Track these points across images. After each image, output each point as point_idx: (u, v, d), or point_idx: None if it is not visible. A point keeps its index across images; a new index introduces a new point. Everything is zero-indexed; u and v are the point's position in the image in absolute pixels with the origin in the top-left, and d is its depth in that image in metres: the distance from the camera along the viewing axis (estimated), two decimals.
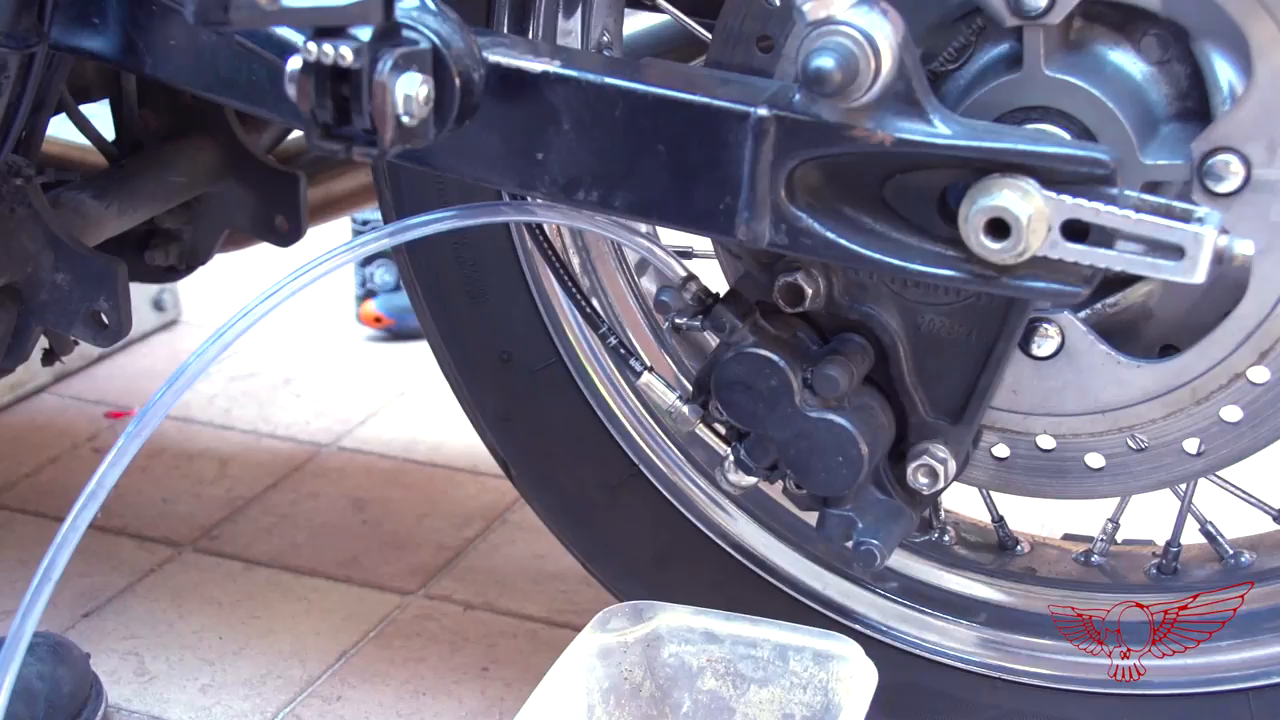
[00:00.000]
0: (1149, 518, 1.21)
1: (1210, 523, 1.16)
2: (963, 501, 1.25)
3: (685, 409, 1.05)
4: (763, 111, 0.87)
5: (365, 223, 2.28)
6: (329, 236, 1.52)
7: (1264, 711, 1.09)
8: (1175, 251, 0.83)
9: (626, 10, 1.21)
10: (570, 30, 1.13)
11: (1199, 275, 0.83)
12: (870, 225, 0.90)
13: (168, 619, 1.53)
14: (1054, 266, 0.86)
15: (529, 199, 1.03)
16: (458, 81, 0.85)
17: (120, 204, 1.38)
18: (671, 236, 1.10)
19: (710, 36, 1.03)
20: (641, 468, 1.23)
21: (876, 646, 1.18)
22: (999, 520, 1.23)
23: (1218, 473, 1.07)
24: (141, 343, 2.27)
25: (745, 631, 1.13)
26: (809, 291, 0.98)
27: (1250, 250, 0.83)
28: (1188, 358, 1.00)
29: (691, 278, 1.02)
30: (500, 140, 0.93)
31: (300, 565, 1.64)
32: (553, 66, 0.91)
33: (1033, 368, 1.03)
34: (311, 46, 0.81)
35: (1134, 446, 1.05)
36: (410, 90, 0.81)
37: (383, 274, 2.31)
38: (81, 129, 1.44)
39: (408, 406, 2.06)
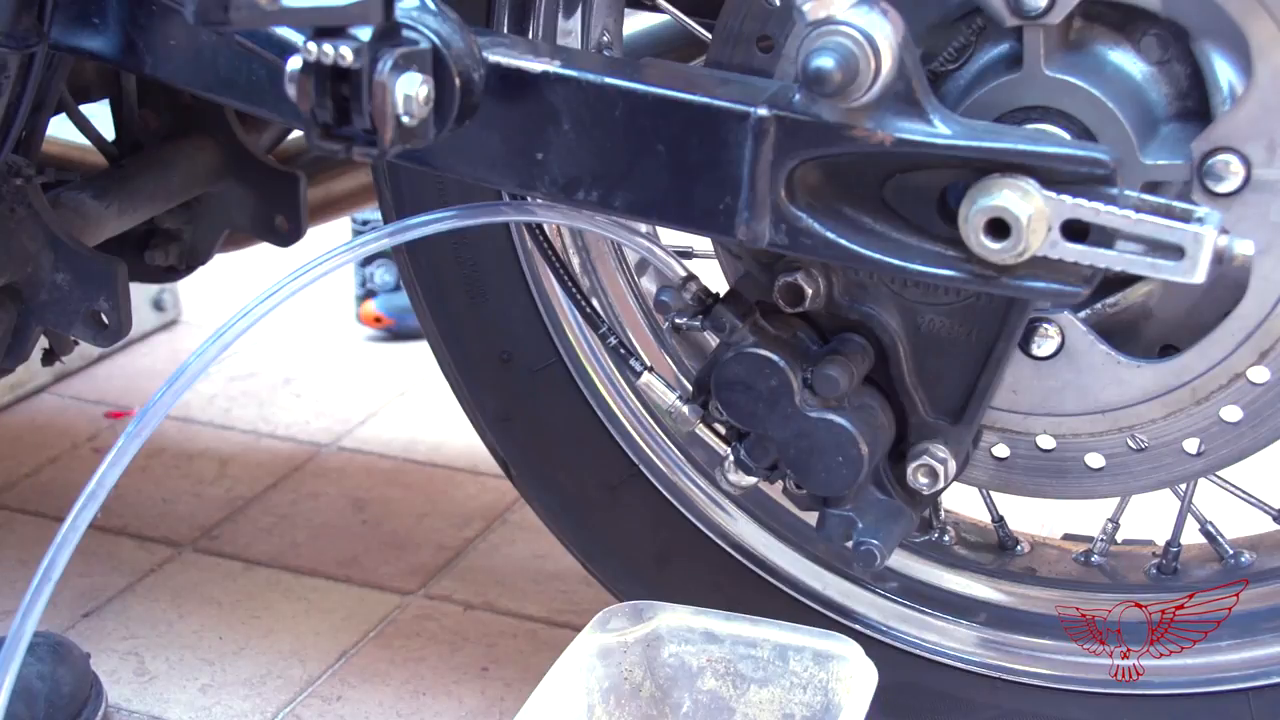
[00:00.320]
0: (1149, 518, 1.21)
1: (1210, 523, 1.16)
2: (963, 501, 1.25)
3: (685, 409, 1.05)
4: (763, 111, 0.87)
5: (365, 223, 2.28)
6: (329, 236, 1.52)
7: (1264, 711, 1.09)
8: (1175, 251, 0.83)
9: (626, 10, 1.21)
10: (570, 30, 1.13)
11: (1199, 275, 0.83)
12: (870, 225, 0.90)
13: (168, 619, 1.53)
14: (1054, 266, 0.86)
15: (529, 199, 1.03)
16: (458, 81, 0.85)
17: (120, 204, 1.38)
18: (671, 236, 1.10)
19: (710, 36, 1.03)
20: (641, 468, 1.23)
21: (876, 646, 1.18)
22: (999, 520, 1.23)
23: (1218, 473, 1.07)
24: (141, 343, 2.27)
25: (745, 631, 1.13)
26: (809, 291, 0.98)
27: (1250, 250, 0.83)
28: (1188, 358, 1.00)
29: (691, 278, 1.02)
30: (500, 140, 0.93)
31: (300, 565, 1.64)
32: (553, 66, 0.91)
33: (1033, 368, 1.03)
34: (311, 46, 0.81)
35: (1134, 446, 1.05)
36: (410, 90, 0.81)
37: (383, 274, 2.31)
38: (81, 129, 1.44)
39: (408, 406, 2.06)
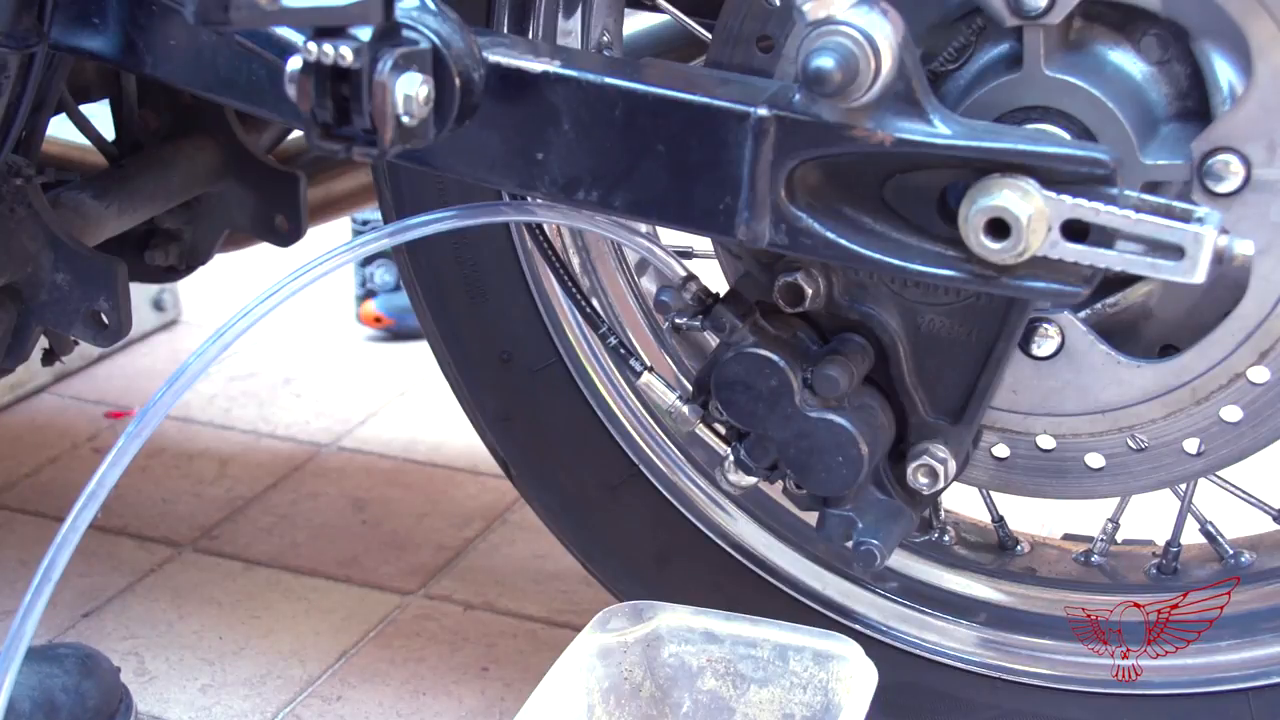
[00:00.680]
0: (1149, 518, 1.21)
1: (1210, 523, 1.16)
2: (963, 501, 1.25)
3: (685, 409, 1.05)
4: (763, 111, 0.87)
5: (365, 223, 2.28)
6: (329, 236, 1.52)
7: (1264, 711, 1.09)
8: (1175, 251, 0.83)
9: (626, 10, 1.21)
10: (570, 30, 1.13)
11: (1199, 275, 0.83)
12: (870, 225, 0.90)
13: (168, 619, 1.53)
14: (1054, 266, 0.86)
15: (529, 199, 1.03)
16: (458, 81, 0.85)
17: (120, 204, 1.38)
18: (671, 236, 1.10)
19: (710, 36, 1.03)
20: (641, 468, 1.23)
21: (876, 646, 1.18)
22: (999, 520, 1.23)
23: (1218, 473, 1.07)
24: (141, 343, 2.27)
25: (745, 631, 1.13)
26: (809, 291, 0.98)
27: (1250, 250, 0.83)
28: (1188, 358, 1.00)
29: (691, 278, 1.02)
30: (500, 140, 0.93)
31: (300, 565, 1.64)
32: (553, 66, 0.91)
33: (1033, 368, 1.03)
34: (311, 46, 0.81)
35: (1134, 446, 1.05)
36: (410, 90, 0.81)
37: (383, 274, 2.31)
38: (81, 129, 1.44)
39: (408, 406, 2.06)
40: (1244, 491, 1.14)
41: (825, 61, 0.81)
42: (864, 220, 0.90)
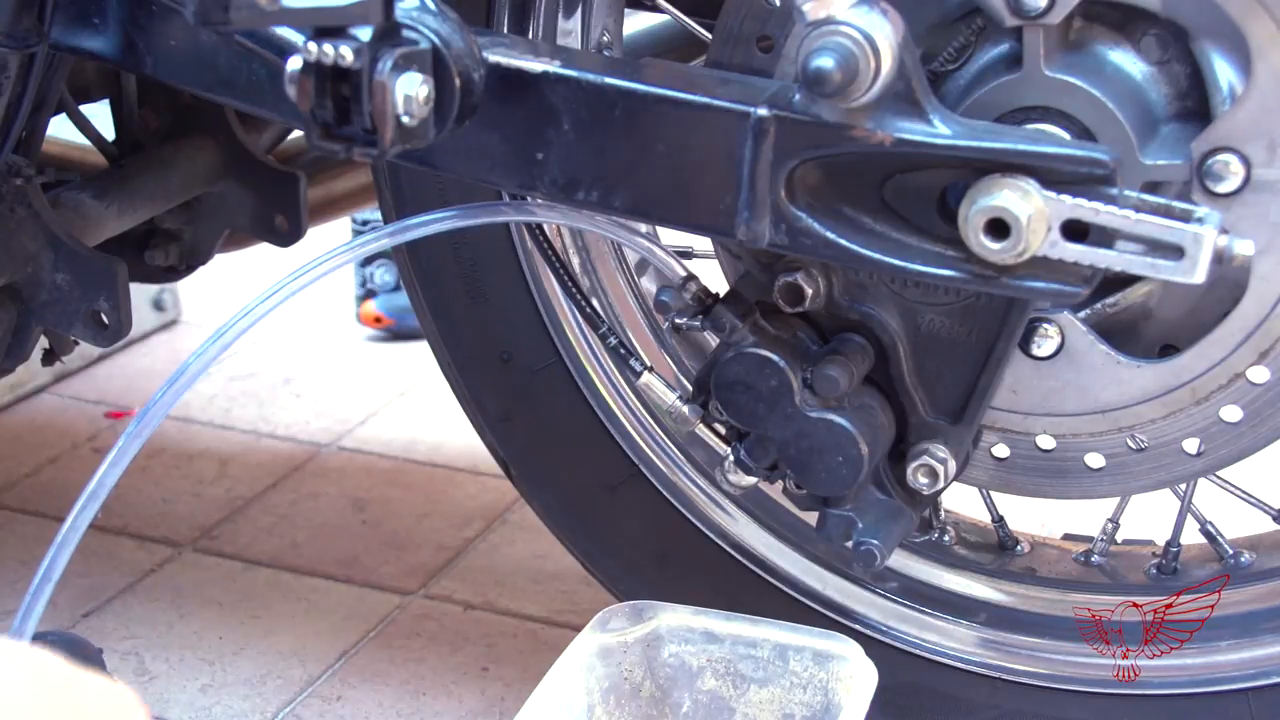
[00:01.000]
0: (1149, 518, 1.21)
1: (1210, 523, 1.16)
2: (963, 501, 1.25)
3: (685, 409, 1.05)
4: (763, 111, 0.87)
5: (365, 223, 2.28)
6: (329, 236, 1.52)
7: (1264, 711, 1.09)
8: (1175, 251, 0.83)
9: (626, 10, 1.21)
10: (570, 30, 1.13)
11: (1199, 275, 0.83)
12: (870, 225, 0.90)
13: (168, 619, 1.53)
14: (1054, 266, 0.86)
15: (529, 199, 1.03)
16: (458, 81, 0.85)
17: (120, 204, 1.38)
18: (671, 236, 1.10)
19: (710, 36, 1.03)
20: (641, 468, 1.23)
21: (876, 646, 1.18)
22: (999, 520, 1.23)
23: (1218, 473, 1.07)
24: (141, 343, 2.27)
25: (745, 631, 1.13)
26: (809, 291, 0.98)
27: (1250, 250, 0.83)
28: (1188, 358, 1.00)
29: (691, 278, 1.02)
30: (500, 140, 0.93)
31: (300, 565, 1.64)
32: (553, 66, 0.91)
33: (1033, 368, 1.03)
34: (311, 46, 0.81)
35: (1134, 446, 1.05)
36: (410, 90, 0.81)
37: (383, 274, 2.31)
38: (81, 129, 1.44)
39: (408, 406, 2.06)
40: (1244, 491, 1.14)
41: (825, 61, 0.81)
42: (864, 220, 0.90)
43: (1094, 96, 0.95)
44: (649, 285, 1.23)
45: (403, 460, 1.90)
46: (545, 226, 1.11)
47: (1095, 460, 1.06)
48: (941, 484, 1.01)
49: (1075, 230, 0.84)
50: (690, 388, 1.08)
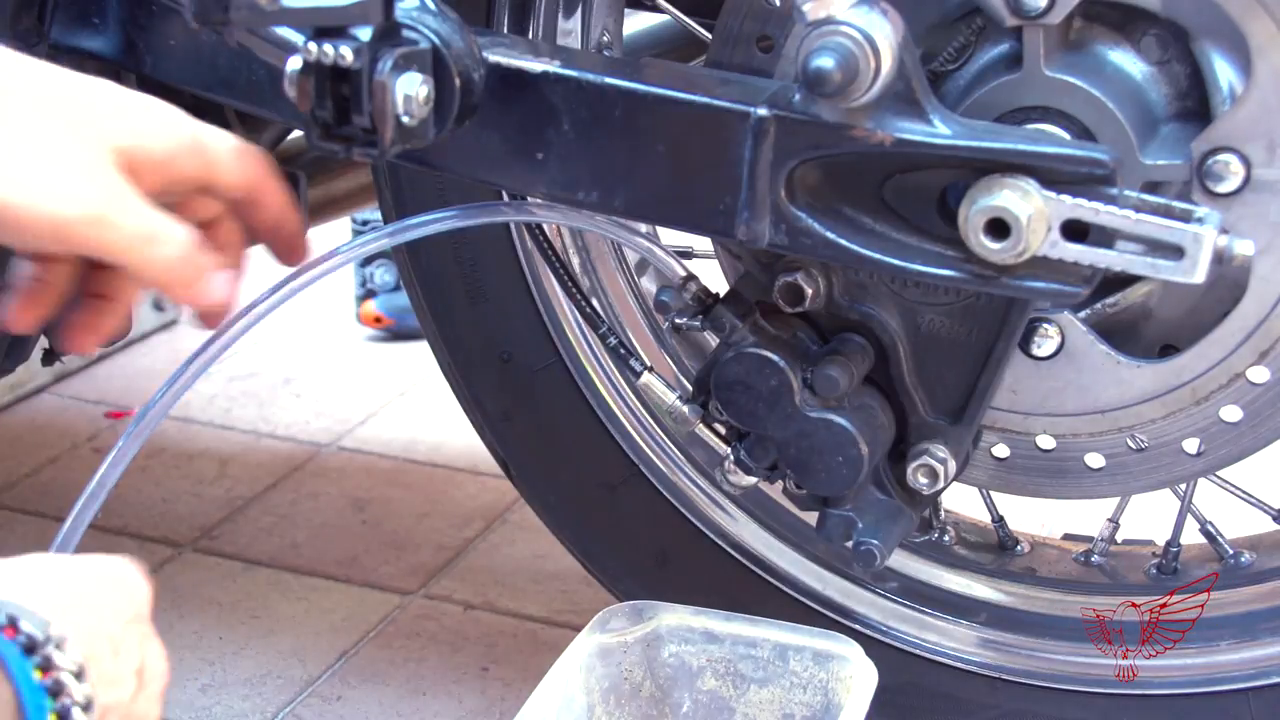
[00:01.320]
0: (1149, 518, 1.21)
1: (1210, 523, 1.16)
2: (963, 501, 1.25)
3: (685, 409, 1.05)
4: (763, 111, 0.87)
5: (365, 223, 2.28)
6: (329, 236, 1.52)
7: (1264, 711, 1.09)
8: (1175, 251, 0.83)
9: (626, 10, 1.20)
10: (570, 30, 1.13)
11: (1199, 275, 0.83)
12: (870, 225, 0.90)
13: (168, 619, 1.53)
14: (1054, 266, 0.86)
15: (528, 199, 1.03)
16: (458, 81, 0.85)
17: None
18: (671, 236, 1.10)
19: (710, 36, 1.03)
20: (641, 468, 1.23)
21: (876, 646, 1.18)
22: (999, 520, 1.23)
23: (1218, 473, 1.07)
24: (141, 343, 2.26)
25: (745, 631, 1.13)
26: (809, 291, 0.98)
27: (1250, 250, 0.83)
28: (1188, 358, 1.00)
29: (691, 278, 1.02)
30: (500, 140, 0.93)
31: (300, 565, 1.64)
32: (553, 66, 0.91)
33: (1033, 368, 1.03)
34: (311, 46, 0.81)
35: (1134, 446, 1.05)
36: (410, 90, 0.81)
37: (383, 274, 2.31)
38: None
39: (408, 406, 2.06)
40: (1244, 491, 1.14)
41: (825, 61, 0.81)
42: (864, 220, 0.90)
43: (1094, 96, 0.95)
44: (649, 285, 1.23)
45: (403, 460, 1.90)
46: (545, 226, 1.11)
47: (1095, 460, 1.06)
48: (941, 484, 1.01)
49: (1075, 230, 0.84)
50: (690, 388, 1.08)
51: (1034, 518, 1.41)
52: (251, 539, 1.69)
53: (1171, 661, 1.13)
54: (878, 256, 0.89)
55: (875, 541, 0.99)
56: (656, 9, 1.16)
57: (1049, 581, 1.19)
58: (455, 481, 1.84)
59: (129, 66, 1.10)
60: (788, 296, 0.98)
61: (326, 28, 0.81)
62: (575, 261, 1.19)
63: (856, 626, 1.20)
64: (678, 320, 1.02)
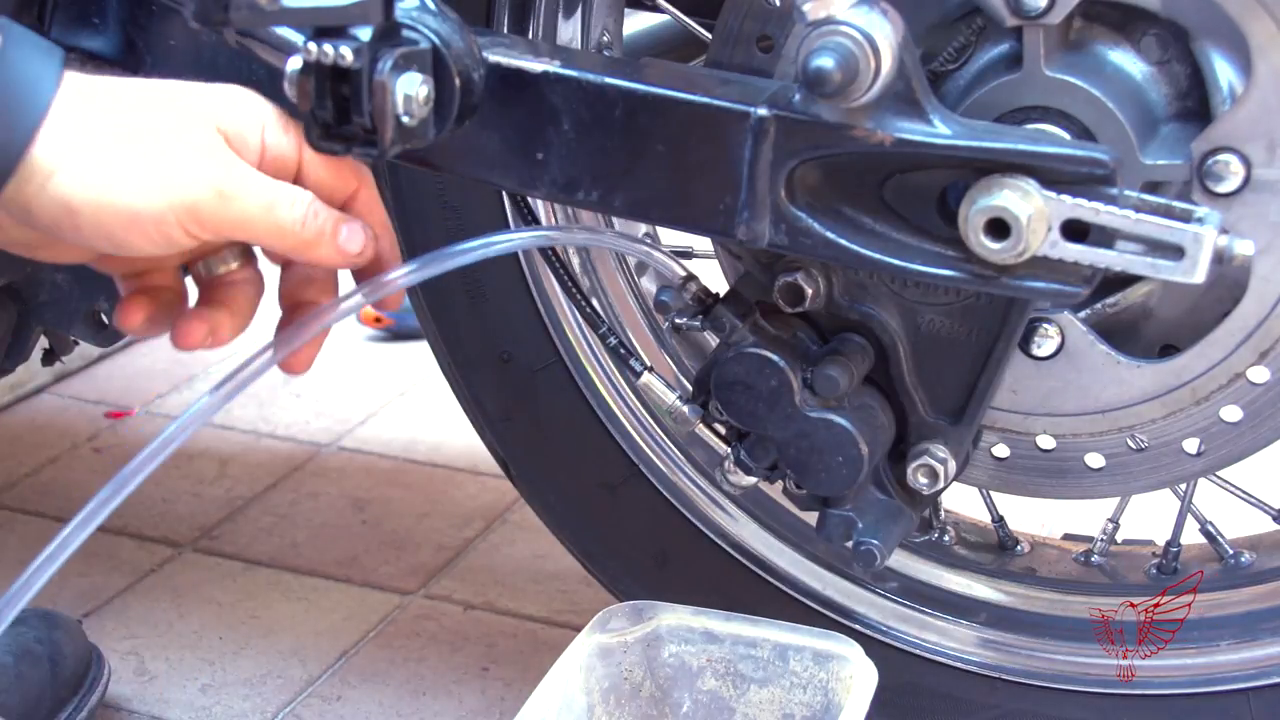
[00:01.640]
0: (1149, 518, 1.21)
1: (1210, 523, 1.16)
2: (963, 501, 1.25)
3: (685, 409, 1.05)
4: (763, 111, 0.87)
5: None
6: None
7: (1264, 711, 1.09)
8: (1175, 251, 0.83)
9: (626, 10, 1.20)
10: (570, 30, 1.13)
11: (1199, 275, 0.83)
12: (870, 225, 0.90)
13: (168, 619, 1.53)
14: (1054, 266, 0.85)
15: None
16: (458, 81, 0.85)
17: None
18: (671, 236, 1.10)
19: (710, 36, 1.03)
20: (641, 468, 1.23)
21: (876, 646, 1.18)
22: (999, 520, 1.23)
23: (1218, 473, 1.07)
24: (141, 343, 2.26)
25: (745, 631, 1.13)
26: (809, 291, 0.98)
27: (1250, 250, 0.83)
28: (1188, 358, 1.00)
29: (691, 278, 1.02)
30: (500, 140, 0.93)
31: (300, 565, 1.64)
32: (553, 66, 0.90)
33: (1033, 368, 1.03)
34: (311, 46, 0.81)
35: (1134, 446, 1.05)
36: (410, 90, 0.81)
37: None
38: None
39: (408, 406, 2.06)
40: (1244, 491, 1.14)
41: (825, 61, 0.81)
42: (864, 220, 0.90)
43: (1094, 96, 0.95)
44: (649, 285, 1.23)
45: (403, 460, 1.90)
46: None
47: (1095, 460, 1.06)
48: (941, 484, 1.01)
49: (1075, 230, 0.84)
50: (690, 388, 1.08)
51: (1034, 518, 1.41)
52: (251, 539, 1.69)
53: (1171, 661, 1.13)
54: (878, 256, 0.89)
55: (875, 541, 0.99)
56: (656, 9, 1.16)
57: (1049, 581, 1.19)
58: (455, 481, 1.84)
59: (129, 66, 1.10)
60: (788, 296, 0.98)
61: (326, 28, 0.81)
62: (575, 261, 1.19)
63: (856, 626, 1.20)
64: (678, 320, 1.02)
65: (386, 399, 2.08)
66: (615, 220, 1.18)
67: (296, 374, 0.92)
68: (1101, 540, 1.20)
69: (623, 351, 1.08)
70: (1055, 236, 0.84)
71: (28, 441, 1.94)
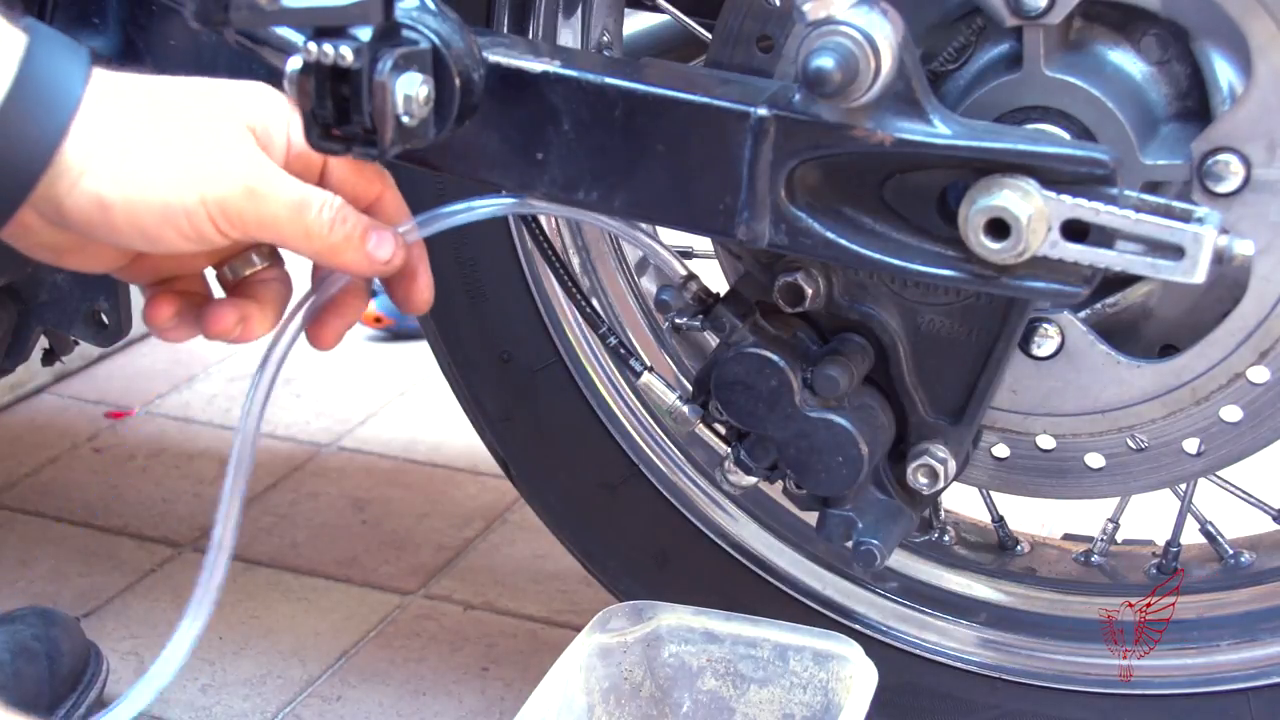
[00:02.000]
0: (1149, 518, 1.21)
1: (1210, 523, 1.16)
2: (963, 501, 1.25)
3: (685, 409, 1.05)
4: (763, 111, 0.87)
5: None
6: None
7: (1264, 711, 1.09)
8: (1175, 251, 0.83)
9: (626, 10, 1.20)
10: (570, 30, 1.13)
11: (1199, 275, 0.83)
12: (870, 225, 0.90)
13: (168, 619, 1.53)
14: (1054, 266, 0.86)
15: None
16: (458, 81, 0.85)
17: None
18: (672, 236, 1.10)
19: (710, 36, 1.03)
20: (641, 468, 1.23)
21: (876, 646, 1.18)
22: (999, 520, 1.23)
23: (1218, 473, 1.07)
24: (141, 343, 2.26)
25: (745, 631, 1.13)
26: (809, 291, 0.98)
27: (1250, 250, 0.83)
28: (1188, 358, 1.00)
29: (691, 277, 1.02)
30: (500, 140, 0.93)
31: (300, 565, 1.64)
32: (553, 66, 0.91)
33: (1033, 368, 1.03)
34: (311, 46, 0.81)
35: (1134, 446, 1.05)
36: (410, 90, 0.81)
37: None
38: None
39: (408, 406, 2.06)
40: (1244, 491, 1.14)
41: (825, 61, 0.81)
42: (864, 220, 0.90)
43: (1094, 96, 0.95)
44: (649, 285, 1.23)
45: (403, 460, 1.90)
46: (544, 226, 1.11)
47: (1095, 460, 1.06)
48: (941, 484, 1.01)
49: (1075, 230, 0.84)
50: (690, 388, 1.08)
51: (1034, 518, 1.41)
52: (251, 539, 1.69)
53: (1171, 661, 1.13)
54: (878, 256, 0.89)
55: (875, 541, 0.99)
56: (656, 9, 1.16)
57: (1049, 581, 1.19)
58: (455, 481, 1.84)
59: (129, 67, 1.10)
60: (788, 296, 0.98)
61: (326, 28, 0.81)
62: (575, 261, 1.19)
63: (856, 626, 1.20)
64: (678, 320, 1.02)
65: (386, 399, 2.08)
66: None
67: (326, 348, 0.92)
68: (1101, 540, 1.20)
69: (623, 351, 1.08)
70: (1055, 236, 0.84)
71: (28, 441, 1.94)
